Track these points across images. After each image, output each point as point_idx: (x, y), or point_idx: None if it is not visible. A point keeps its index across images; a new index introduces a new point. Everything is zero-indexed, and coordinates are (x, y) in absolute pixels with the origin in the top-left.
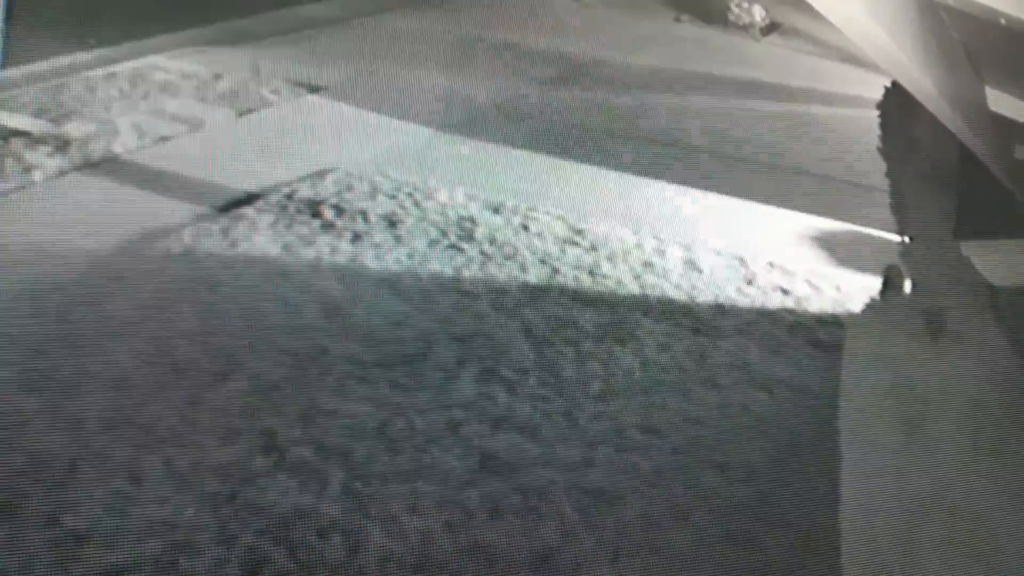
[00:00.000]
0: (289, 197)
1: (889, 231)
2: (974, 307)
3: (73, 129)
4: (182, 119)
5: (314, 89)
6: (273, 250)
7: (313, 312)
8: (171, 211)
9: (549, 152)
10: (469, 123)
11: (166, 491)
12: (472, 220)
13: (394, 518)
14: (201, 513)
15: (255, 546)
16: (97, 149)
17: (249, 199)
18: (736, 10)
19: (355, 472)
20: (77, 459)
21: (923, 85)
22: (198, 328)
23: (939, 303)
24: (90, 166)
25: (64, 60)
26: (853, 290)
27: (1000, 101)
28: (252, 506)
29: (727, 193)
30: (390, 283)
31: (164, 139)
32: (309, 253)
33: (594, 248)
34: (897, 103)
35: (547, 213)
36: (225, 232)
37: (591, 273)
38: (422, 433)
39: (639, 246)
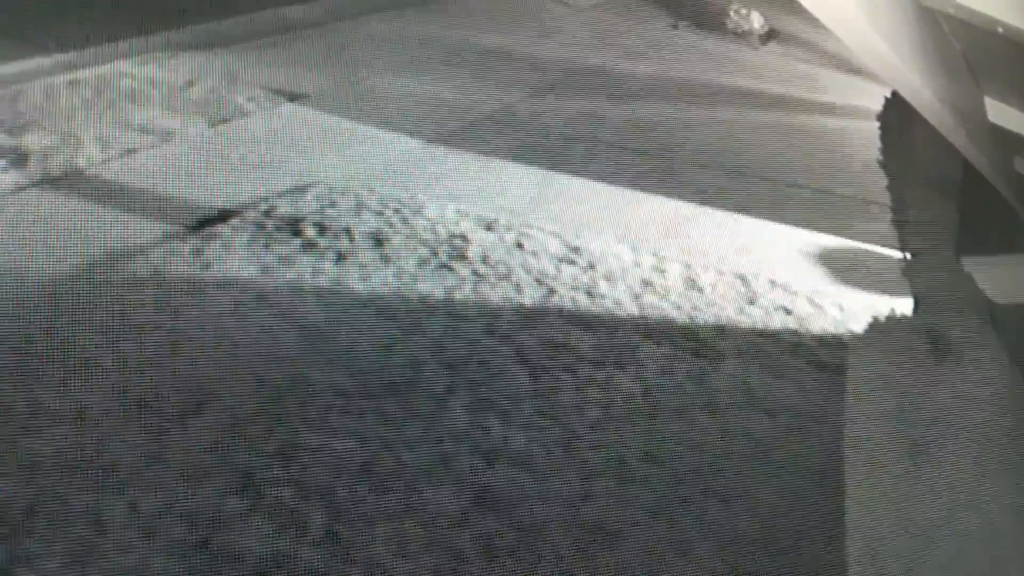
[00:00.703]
0: (267, 214)
1: (891, 247)
2: (976, 325)
3: (31, 141)
4: (150, 130)
5: (294, 97)
6: (249, 272)
7: (292, 339)
8: (138, 230)
9: (542, 164)
10: (459, 134)
11: (130, 538)
12: (464, 238)
13: (380, 564)
14: (170, 562)
15: None
16: (57, 163)
17: (223, 216)
18: (735, 17)
19: (338, 514)
20: (33, 503)
21: (923, 96)
22: (166, 358)
23: (942, 322)
24: (50, 181)
25: (20, 65)
26: (856, 309)
27: (1000, 112)
28: (225, 553)
29: (727, 208)
30: (376, 306)
31: (131, 152)
32: (288, 274)
33: (591, 266)
34: (897, 114)
35: (542, 230)
36: (197, 252)
37: (589, 293)
38: (410, 469)
39: (637, 264)
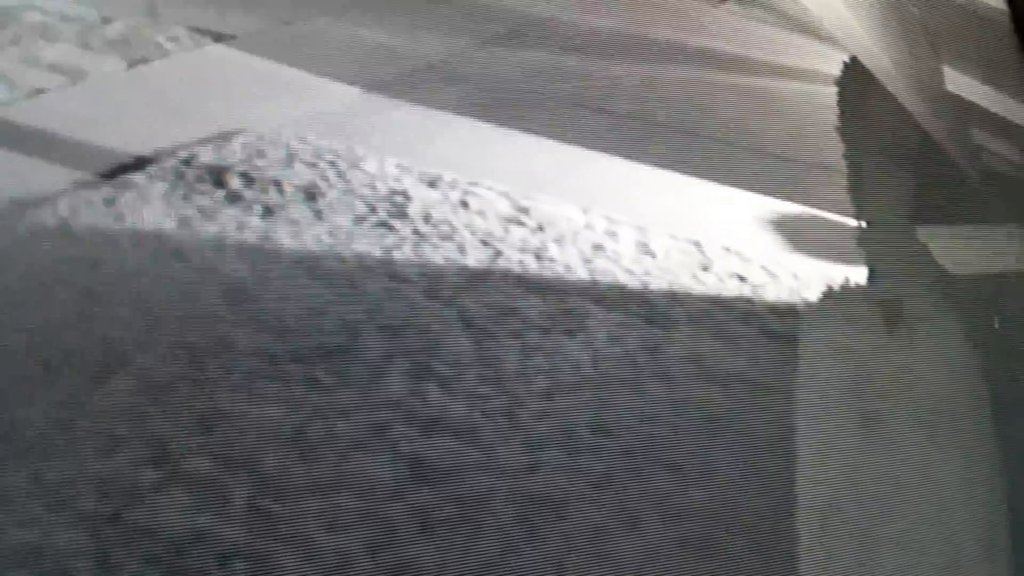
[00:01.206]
0: (187, 162)
1: (846, 215)
2: (931, 296)
3: None
4: (62, 69)
5: (220, 38)
6: (167, 224)
7: (214, 298)
8: (46, 177)
9: (491, 120)
10: (401, 83)
11: (35, 511)
12: (405, 194)
13: (309, 538)
14: (77, 537)
15: (141, 575)
16: None
17: (139, 164)
18: None
19: (263, 486)
20: None
21: (882, 62)
22: (76, 316)
23: (896, 292)
24: None
25: None
26: (810, 277)
27: (958, 82)
28: (139, 528)
29: (682, 171)
30: (308, 265)
31: (39, 92)
32: (211, 229)
33: (541, 228)
34: (856, 80)
35: (489, 188)
36: (110, 202)
37: (537, 256)
38: (343, 438)
39: (589, 227)
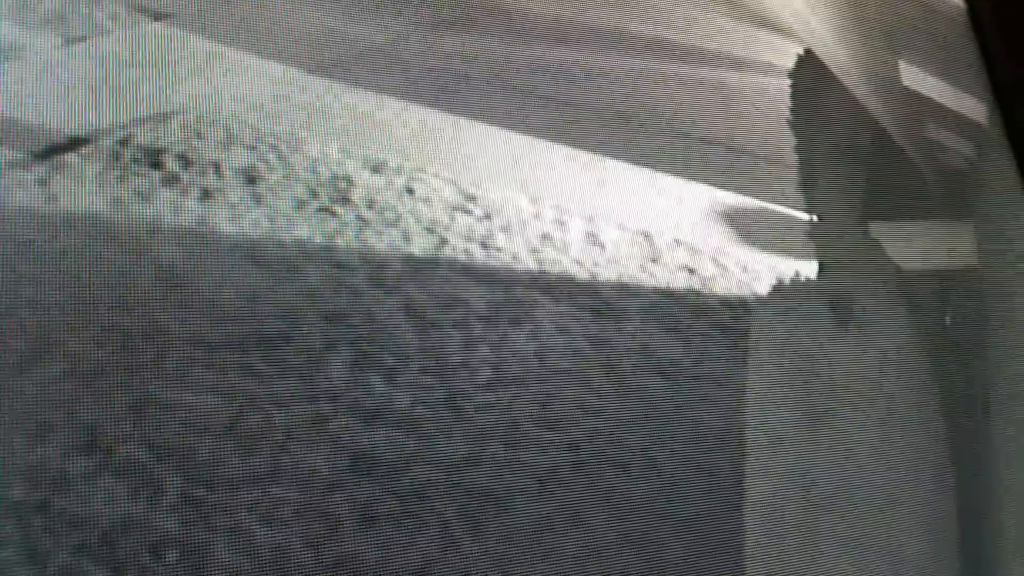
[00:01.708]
0: (123, 143)
1: (798, 209)
2: (881, 292)
3: None
4: None
5: (159, 16)
6: (101, 206)
7: (148, 283)
8: None
9: (438, 106)
10: (346, 66)
11: None
12: (348, 179)
13: (244, 530)
14: (3, 526)
15: (71, 566)
16: None
17: (74, 144)
18: None
19: (197, 476)
20: None
21: (837, 55)
22: (3, 299)
23: (846, 287)
24: None
25: None
26: (760, 270)
27: (913, 77)
28: (68, 517)
29: (631, 161)
30: (246, 250)
31: None
32: (146, 211)
33: (488, 217)
34: (810, 73)
35: (436, 175)
36: (42, 183)
37: (484, 245)
38: (280, 429)
39: (538, 216)
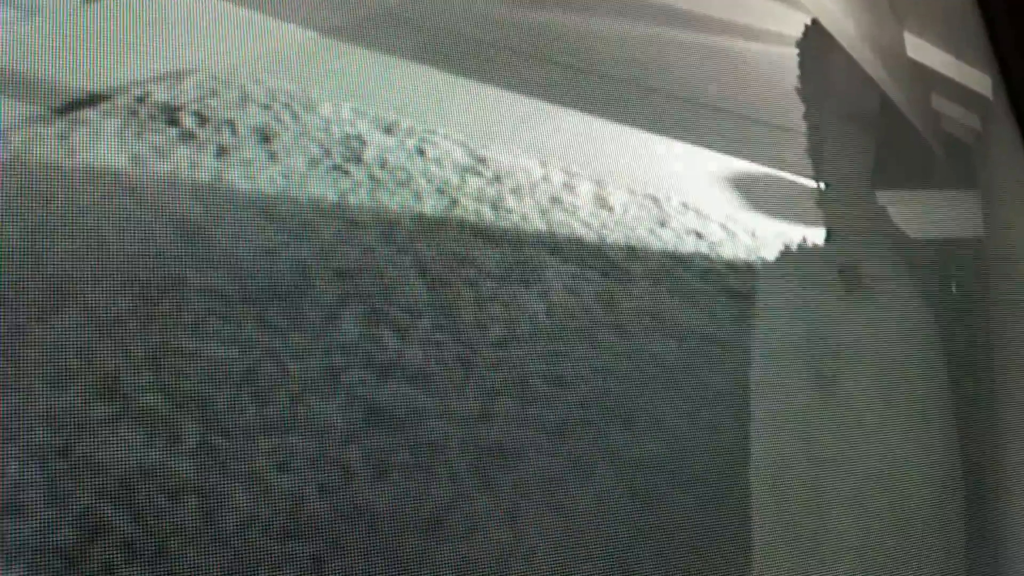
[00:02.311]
0: (141, 100)
1: (805, 176)
2: (888, 259)
3: None
4: (16, 3)
5: None
6: (120, 161)
7: (167, 236)
8: None
9: (449, 68)
10: (358, 28)
11: None
12: (360, 139)
13: (260, 478)
14: (27, 468)
15: (92, 508)
16: None
17: (93, 100)
18: None
19: (215, 424)
20: None
21: (843, 26)
22: (26, 250)
23: (853, 254)
24: None
25: None
26: (768, 236)
27: (919, 49)
28: (88, 462)
29: (641, 127)
30: (261, 206)
31: None
32: (163, 167)
33: (498, 179)
34: (817, 43)
35: (447, 137)
36: (62, 138)
37: (494, 206)
38: (296, 380)
39: (547, 179)
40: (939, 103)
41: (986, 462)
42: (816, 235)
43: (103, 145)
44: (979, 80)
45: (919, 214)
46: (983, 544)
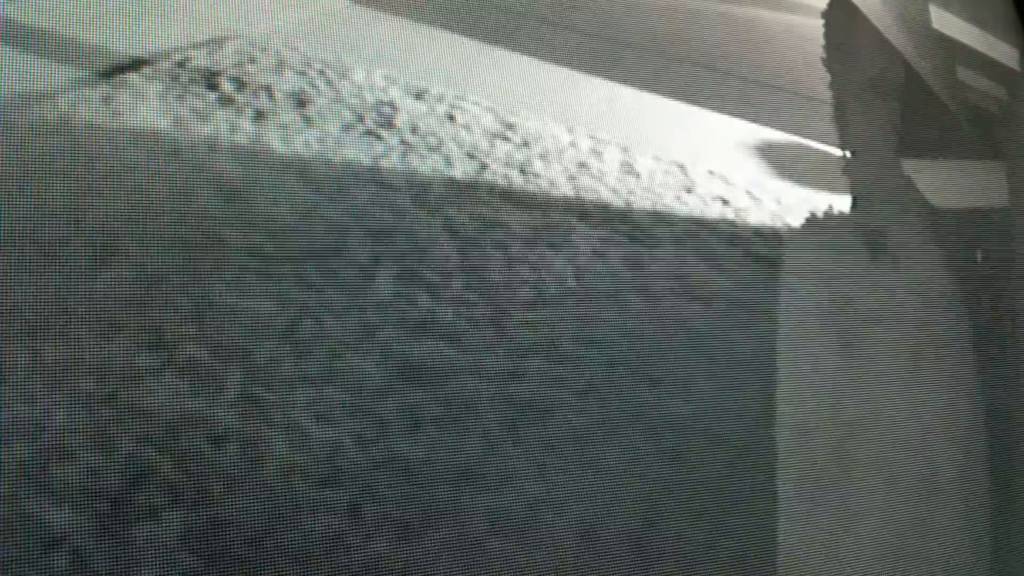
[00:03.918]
0: (181, 65)
1: (831, 144)
2: (913, 227)
3: None
4: None
5: None
6: (162, 123)
7: (208, 196)
8: (44, 74)
9: (478, 37)
10: None
11: (33, 388)
12: (392, 105)
13: (300, 427)
14: (75, 415)
15: (136, 453)
16: None
17: (135, 64)
18: None
19: (255, 376)
20: None
21: None
22: (73, 207)
23: (878, 221)
24: None
25: None
26: (793, 203)
27: (944, 21)
28: (134, 408)
29: (668, 95)
30: (298, 169)
31: None
32: (204, 129)
33: (526, 144)
34: (842, 14)
35: (476, 103)
36: (107, 100)
37: (522, 171)
38: (333, 336)
39: (574, 145)
40: (963, 74)
41: (1012, 426)
42: (841, 202)
43: (146, 108)
44: (1004, 51)
45: (944, 183)
46: (1009, 507)
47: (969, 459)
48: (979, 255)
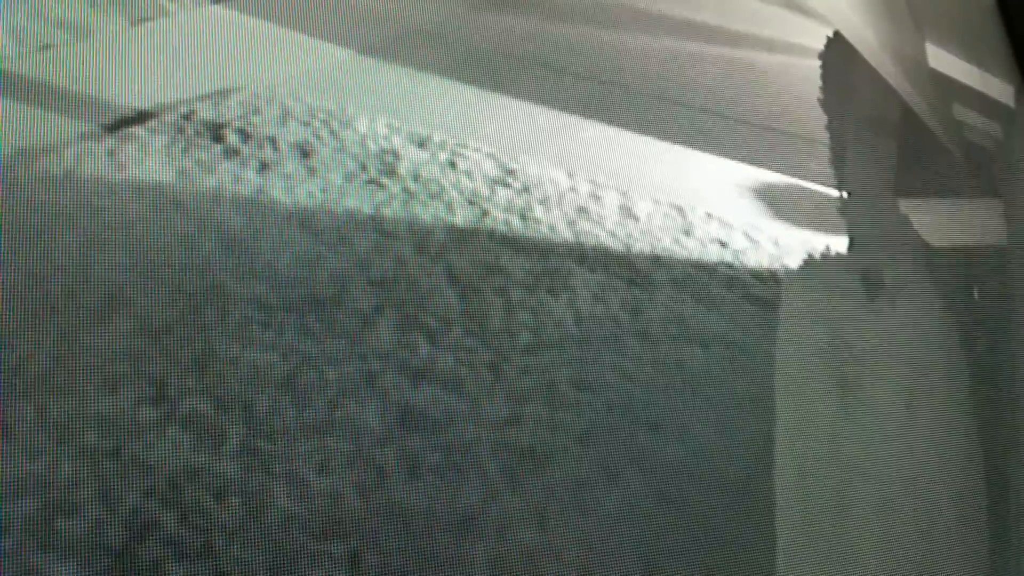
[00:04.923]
0: (187, 117)
1: (828, 185)
2: (910, 266)
3: None
4: (69, 26)
5: None
6: (167, 176)
7: (211, 247)
8: (51, 128)
9: (479, 83)
10: (391, 46)
11: (39, 443)
12: (394, 153)
13: (301, 478)
14: (79, 469)
15: (141, 507)
16: None
17: (141, 117)
18: None
19: (257, 427)
20: None
21: (865, 37)
22: (78, 260)
23: (876, 261)
24: None
25: None
26: (791, 244)
27: (940, 59)
28: (138, 462)
29: (665, 138)
30: (301, 219)
31: (48, 47)
32: (209, 181)
33: (526, 190)
34: (839, 54)
35: (477, 150)
36: (112, 154)
37: (523, 217)
38: (334, 385)
39: (574, 190)
40: (960, 112)
41: (1009, 467)
42: (839, 243)
43: (151, 161)
44: (1001, 89)
45: (941, 222)
46: (1006, 548)
47: (966, 500)
48: (976, 293)
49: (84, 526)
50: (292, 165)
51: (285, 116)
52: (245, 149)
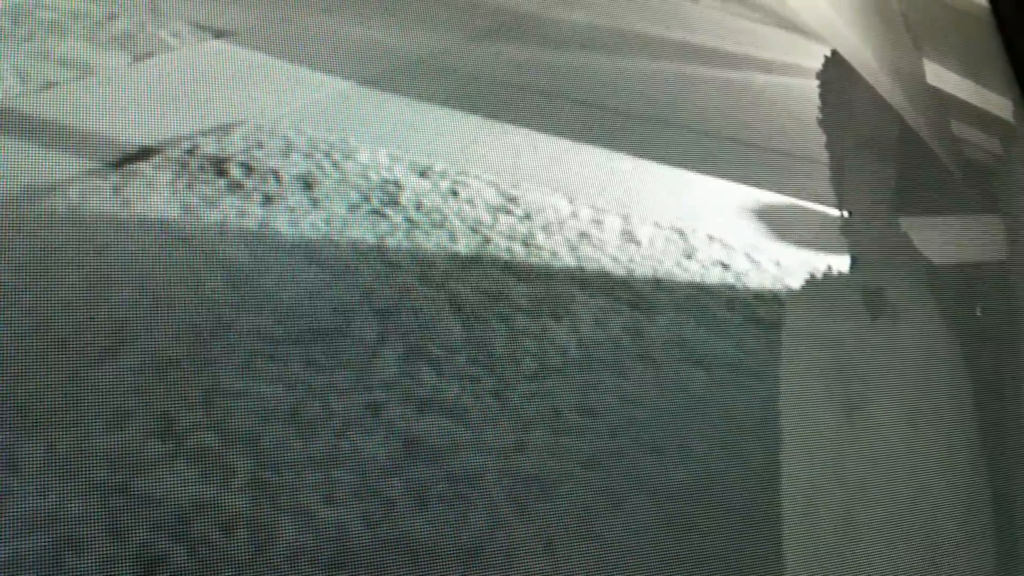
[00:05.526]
0: (190, 152)
1: (829, 205)
2: (912, 285)
3: None
4: (71, 63)
5: (220, 34)
6: (171, 211)
7: (216, 282)
8: (56, 165)
9: (478, 112)
10: (392, 77)
11: (47, 480)
12: (396, 183)
13: (307, 511)
14: (88, 505)
15: (150, 542)
16: None
17: (145, 153)
18: None
19: (263, 460)
20: None
21: (863, 56)
22: (84, 297)
23: (878, 280)
24: None
25: None
26: (793, 265)
27: (938, 75)
28: (146, 498)
29: (665, 161)
30: (305, 250)
31: (50, 85)
32: (213, 215)
33: (528, 217)
34: (837, 73)
35: (478, 178)
36: (117, 190)
37: (525, 243)
38: (339, 416)
39: (575, 215)
40: (959, 128)
41: (1015, 484)
42: (840, 262)
43: (156, 196)
44: (999, 104)
45: (942, 239)
46: (1014, 566)
47: (972, 520)
48: (979, 311)
49: (93, 561)
50: (296, 197)
51: (288, 149)
52: (249, 182)
